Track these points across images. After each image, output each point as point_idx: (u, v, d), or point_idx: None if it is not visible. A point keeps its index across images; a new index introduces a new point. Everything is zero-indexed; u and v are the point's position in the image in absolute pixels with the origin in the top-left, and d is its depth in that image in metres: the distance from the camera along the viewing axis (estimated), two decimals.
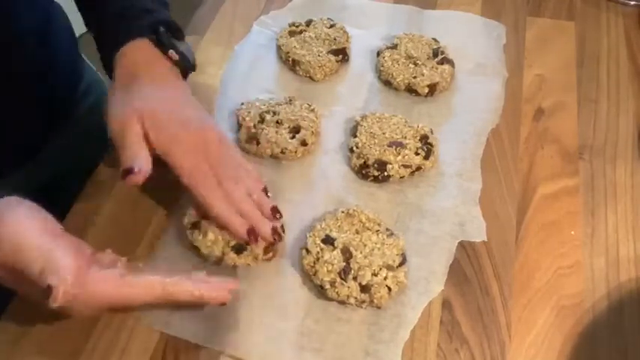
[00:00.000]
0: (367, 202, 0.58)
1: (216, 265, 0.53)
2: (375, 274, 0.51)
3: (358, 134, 0.62)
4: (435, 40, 0.72)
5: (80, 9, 0.63)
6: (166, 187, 0.55)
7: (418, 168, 0.60)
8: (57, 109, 0.68)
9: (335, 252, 0.52)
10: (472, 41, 0.75)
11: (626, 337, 0.50)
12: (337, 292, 0.51)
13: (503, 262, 0.55)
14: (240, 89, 0.69)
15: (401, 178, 0.60)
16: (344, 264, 0.52)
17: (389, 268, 0.51)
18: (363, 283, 0.50)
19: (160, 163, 0.52)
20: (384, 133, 0.61)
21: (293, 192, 0.60)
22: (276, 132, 0.62)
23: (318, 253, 0.52)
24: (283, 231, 0.55)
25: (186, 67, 0.59)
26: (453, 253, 0.55)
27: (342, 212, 0.55)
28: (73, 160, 0.68)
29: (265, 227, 0.52)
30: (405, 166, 0.59)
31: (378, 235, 0.54)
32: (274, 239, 0.52)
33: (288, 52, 0.71)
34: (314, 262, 0.52)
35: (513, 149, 0.64)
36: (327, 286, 0.51)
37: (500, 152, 0.63)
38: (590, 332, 0.51)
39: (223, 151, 0.55)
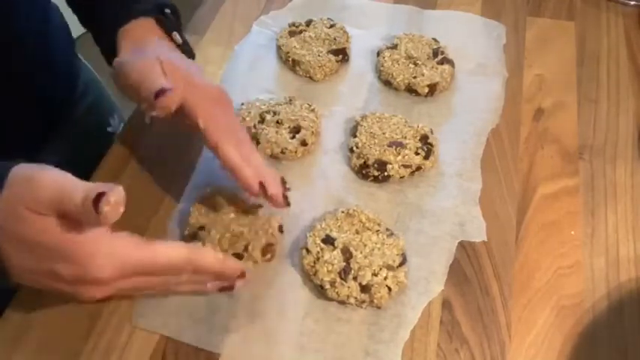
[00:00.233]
0: (367, 202, 0.59)
1: None
2: (375, 274, 0.51)
3: (358, 134, 0.62)
4: (435, 40, 0.72)
5: None
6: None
7: (418, 168, 0.60)
8: (55, 109, 0.68)
9: (335, 252, 0.52)
10: (472, 41, 0.75)
11: (626, 337, 0.50)
12: (337, 292, 0.51)
13: (503, 262, 0.55)
14: (240, 89, 0.69)
15: (401, 178, 0.60)
16: (344, 264, 0.52)
17: (389, 268, 0.52)
18: (363, 283, 0.50)
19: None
20: (384, 133, 0.61)
21: (293, 192, 0.59)
22: (277, 132, 0.62)
23: (318, 253, 0.52)
24: (282, 231, 0.55)
25: (188, 53, 0.59)
26: (453, 253, 0.55)
27: (342, 212, 0.55)
28: (72, 160, 0.68)
29: (277, 187, 0.51)
30: (405, 166, 0.59)
31: (378, 235, 0.54)
32: (285, 203, 0.52)
33: (288, 52, 0.71)
34: (314, 262, 0.52)
35: (513, 149, 0.64)
36: (327, 286, 0.51)
37: (500, 152, 0.63)
38: (590, 332, 0.51)
39: (235, 117, 0.55)
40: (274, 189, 0.51)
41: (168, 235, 0.56)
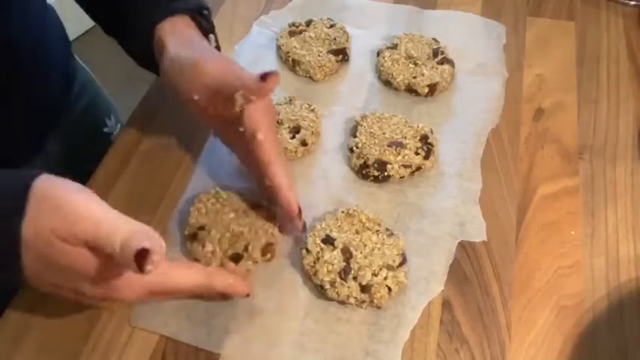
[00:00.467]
0: (367, 202, 0.58)
1: None
2: (375, 274, 0.51)
3: (358, 134, 0.62)
4: (435, 40, 0.72)
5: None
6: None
7: (418, 168, 0.60)
8: (51, 110, 0.68)
9: (335, 252, 0.52)
10: (472, 41, 0.75)
11: (626, 337, 0.50)
12: (337, 292, 0.51)
13: (503, 262, 0.55)
14: None
15: (401, 178, 0.60)
16: (344, 264, 0.52)
17: (389, 268, 0.51)
18: (363, 283, 0.50)
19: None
20: (384, 133, 0.61)
21: None
22: (277, 132, 0.62)
23: (318, 253, 0.52)
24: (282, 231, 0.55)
25: None
26: (453, 253, 0.55)
27: (342, 212, 0.55)
28: (69, 161, 0.68)
29: (301, 216, 0.53)
30: (405, 166, 0.59)
31: (378, 235, 0.54)
32: (302, 229, 0.54)
33: (288, 52, 0.71)
34: (314, 262, 0.52)
35: (513, 149, 0.63)
36: (327, 286, 0.51)
37: (500, 152, 0.63)
38: (590, 332, 0.51)
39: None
40: (303, 218, 0.53)
41: (168, 235, 0.56)
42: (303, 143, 0.62)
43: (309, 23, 0.74)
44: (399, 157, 0.59)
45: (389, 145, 0.60)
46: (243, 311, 0.51)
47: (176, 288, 0.47)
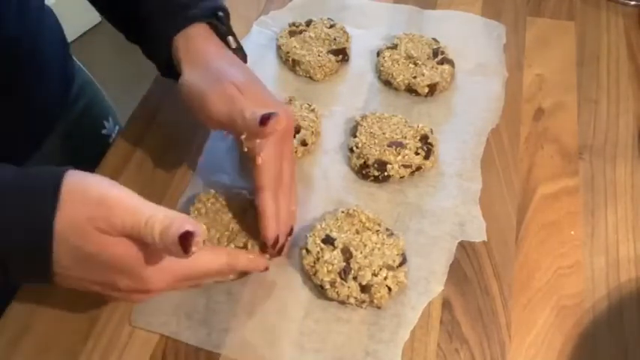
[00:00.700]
0: (367, 202, 0.58)
1: None
2: (375, 274, 0.51)
3: (358, 134, 0.62)
4: (435, 40, 0.72)
5: (113, 6, 0.62)
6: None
7: (418, 168, 0.60)
8: (49, 111, 0.68)
9: (335, 252, 0.52)
10: (472, 41, 0.75)
11: (626, 337, 0.50)
12: (337, 292, 0.51)
13: (503, 262, 0.55)
14: None
15: (401, 178, 0.60)
16: (344, 264, 0.52)
17: (389, 268, 0.51)
18: (363, 283, 0.50)
19: None
20: (384, 133, 0.61)
21: None
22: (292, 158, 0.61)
23: (318, 253, 0.52)
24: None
25: (242, 56, 0.59)
26: (453, 253, 0.55)
27: (342, 212, 0.55)
28: (67, 162, 0.68)
29: (282, 244, 0.52)
30: (405, 166, 0.59)
31: (378, 235, 0.54)
32: (277, 254, 0.53)
33: (288, 52, 0.71)
34: (314, 262, 0.52)
35: (513, 149, 0.64)
36: (327, 286, 0.51)
37: (500, 152, 0.63)
38: (590, 332, 0.51)
39: (292, 157, 0.55)
40: (279, 246, 0.52)
41: None
42: (303, 143, 0.62)
43: (309, 23, 0.74)
44: (399, 157, 0.59)
45: (389, 145, 0.60)
46: (243, 311, 0.51)
47: (204, 272, 0.48)
